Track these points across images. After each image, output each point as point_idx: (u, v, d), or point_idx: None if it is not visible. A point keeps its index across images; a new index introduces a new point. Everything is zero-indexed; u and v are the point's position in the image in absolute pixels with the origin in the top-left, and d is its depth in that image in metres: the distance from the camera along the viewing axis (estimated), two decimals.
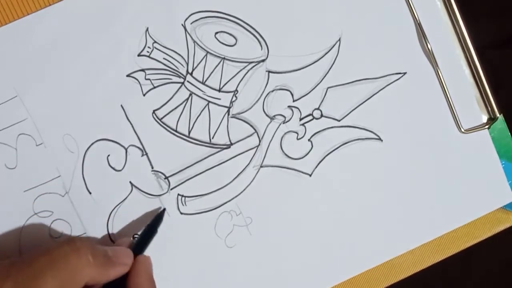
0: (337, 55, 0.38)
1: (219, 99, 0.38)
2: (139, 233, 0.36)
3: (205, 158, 0.38)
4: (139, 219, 0.37)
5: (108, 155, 0.37)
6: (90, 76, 0.37)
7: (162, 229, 0.37)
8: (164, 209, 0.37)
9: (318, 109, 0.38)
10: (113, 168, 0.37)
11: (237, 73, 0.38)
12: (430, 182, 0.39)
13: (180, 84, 0.37)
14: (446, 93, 0.39)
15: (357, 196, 0.39)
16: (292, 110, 0.38)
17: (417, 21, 0.38)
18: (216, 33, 0.37)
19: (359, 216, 0.39)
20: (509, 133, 0.40)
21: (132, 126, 0.37)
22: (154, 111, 0.37)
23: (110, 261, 0.31)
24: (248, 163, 0.38)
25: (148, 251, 0.37)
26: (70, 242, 0.30)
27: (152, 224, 0.36)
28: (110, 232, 0.37)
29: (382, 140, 0.39)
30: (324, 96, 0.38)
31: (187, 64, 0.37)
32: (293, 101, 0.38)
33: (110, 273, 0.31)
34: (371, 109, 0.38)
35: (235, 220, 0.38)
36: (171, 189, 0.37)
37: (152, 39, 0.37)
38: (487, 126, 0.39)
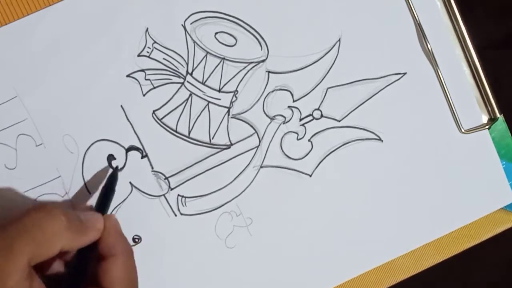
0: (337, 56, 0.38)
1: (219, 99, 0.38)
2: (95, 204, 0.35)
3: (205, 158, 0.38)
4: (139, 220, 0.37)
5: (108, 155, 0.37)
6: (90, 76, 0.37)
7: (162, 229, 0.37)
8: (117, 167, 0.36)
9: (318, 109, 0.38)
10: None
11: (237, 73, 0.38)
12: (430, 183, 0.39)
13: (180, 85, 0.37)
14: (446, 93, 0.39)
15: (357, 197, 0.39)
16: (292, 110, 0.38)
17: (417, 21, 0.38)
18: (216, 33, 0.37)
19: (359, 216, 0.39)
20: (510, 134, 0.40)
21: (132, 127, 0.37)
22: (154, 111, 0.37)
23: (84, 226, 0.31)
24: (248, 164, 0.38)
25: (149, 252, 0.37)
26: (43, 208, 0.30)
27: (107, 184, 0.35)
28: None
29: (382, 141, 0.39)
30: (324, 97, 0.38)
31: (187, 64, 0.37)
32: (293, 101, 0.38)
33: (84, 239, 0.31)
34: (371, 109, 0.38)
35: (235, 221, 0.38)
36: (171, 190, 0.37)
37: (152, 39, 0.37)
38: (487, 127, 0.39)
